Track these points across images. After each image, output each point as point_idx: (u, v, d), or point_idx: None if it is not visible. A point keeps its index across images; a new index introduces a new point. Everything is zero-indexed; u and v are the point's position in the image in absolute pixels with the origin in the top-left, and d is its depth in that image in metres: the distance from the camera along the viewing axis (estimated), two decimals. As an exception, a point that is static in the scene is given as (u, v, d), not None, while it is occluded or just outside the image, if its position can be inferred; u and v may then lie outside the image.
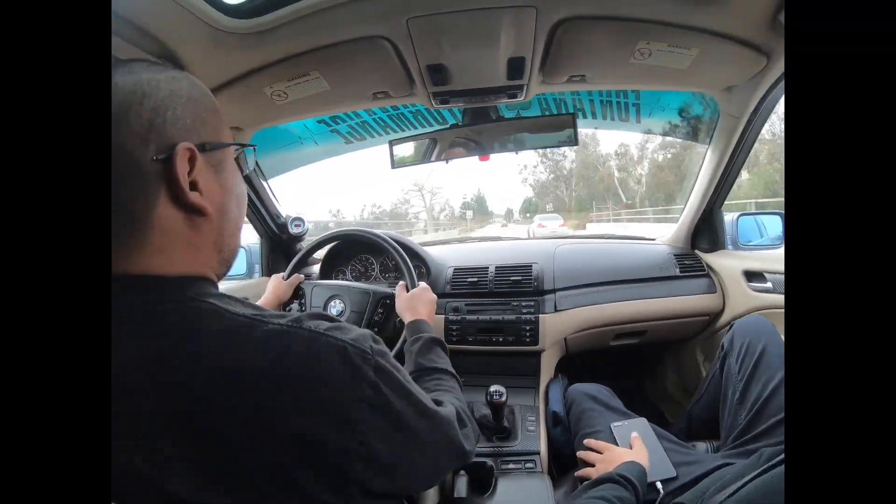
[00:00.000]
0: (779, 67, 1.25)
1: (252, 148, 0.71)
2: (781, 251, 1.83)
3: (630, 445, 1.24)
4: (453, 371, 1.03)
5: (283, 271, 1.67)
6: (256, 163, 1.81)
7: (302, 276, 1.59)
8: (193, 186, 0.54)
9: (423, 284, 1.39)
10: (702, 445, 1.37)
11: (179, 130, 0.53)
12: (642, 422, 1.35)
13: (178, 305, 0.51)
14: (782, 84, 1.33)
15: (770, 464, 0.78)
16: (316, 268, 2.07)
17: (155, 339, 0.48)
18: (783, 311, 1.57)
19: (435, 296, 1.36)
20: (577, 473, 1.29)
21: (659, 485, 1.13)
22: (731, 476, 0.92)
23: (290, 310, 1.57)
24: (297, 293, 1.61)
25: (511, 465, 1.40)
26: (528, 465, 1.40)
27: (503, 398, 1.39)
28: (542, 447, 1.47)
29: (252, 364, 0.49)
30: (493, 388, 1.40)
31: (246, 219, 1.96)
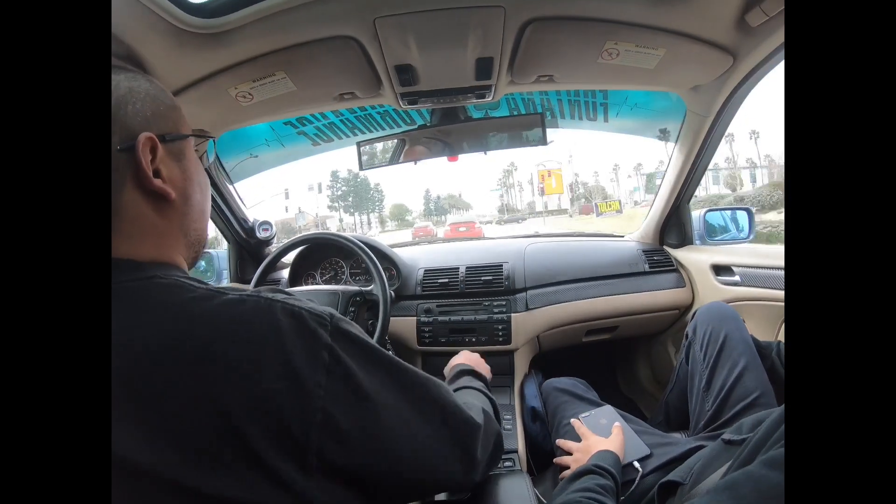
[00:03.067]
0: (745, 67, 1.28)
1: (212, 139, 0.77)
2: (748, 245, 1.87)
3: (602, 433, 1.25)
4: (481, 388, 0.99)
5: (252, 276, 1.64)
6: (223, 166, 1.77)
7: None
8: (157, 174, 0.58)
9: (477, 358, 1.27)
10: (676, 435, 1.39)
11: (140, 122, 0.57)
12: (609, 409, 1.37)
13: (145, 282, 0.54)
14: (749, 83, 1.36)
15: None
16: (285, 272, 2.04)
17: (119, 312, 0.49)
18: (751, 303, 1.62)
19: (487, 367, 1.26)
20: (555, 460, 1.31)
21: (636, 464, 1.15)
22: (713, 455, 0.94)
23: None
24: None
25: None
26: (507, 463, 1.40)
27: None
28: (520, 445, 1.48)
29: (207, 327, 0.50)
30: None
31: (212, 223, 1.92)
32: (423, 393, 0.64)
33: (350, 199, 72.91)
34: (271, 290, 0.56)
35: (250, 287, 1.59)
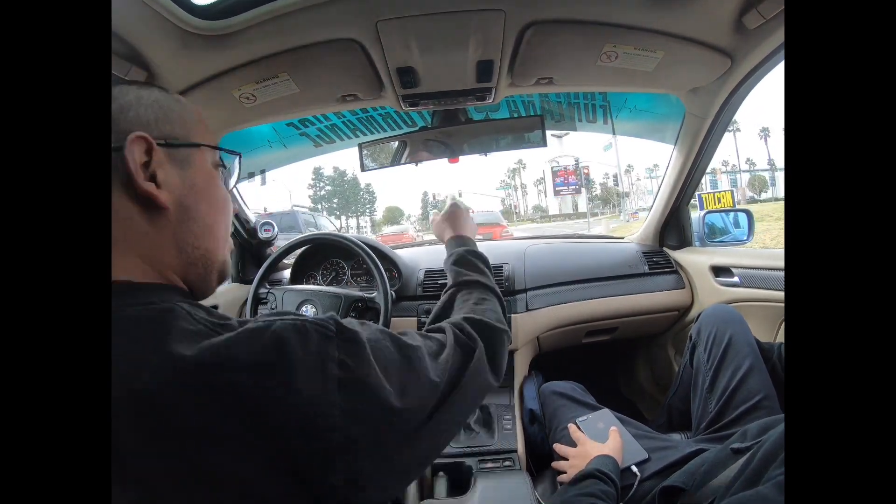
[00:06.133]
0: (743, 69, 1.29)
1: (237, 155, 0.71)
2: (747, 247, 1.88)
3: (600, 437, 1.26)
4: (487, 283, 1.01)
5: (254, 276, 1.66)
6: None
7: None
8: (152, 178, 0.54)
9: (457, 202, 1.30)
10: (676, 436, 1.40)
11: (138, 126, 0.54)
12: (606, 413, 1.37)
13: (147, 308, 0.49)
14: (747, 84, 1.37)
15: (758, 441, 0.80)
16: (287, 273, 2.05)
17: (122, 341, 0.44)
18: (750, 304, 1.62)
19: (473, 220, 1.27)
20: (553, 464, 1.32)
21: (634, 468, 1.16)
22: (717, 461, 0.94)
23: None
24: (266, 299, 1.61)
25: (490, 464, 1.40)
26: (507, 463, 1.41)
27: None
28: (520, 445, 1.49)
29: (211, 364, 0.45)
30: None
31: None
32: (440, 377, 0.61)
33: (335, 200, 70.43)
34: (278, 314, 0.53)
35: (252, 285, 1.62)
